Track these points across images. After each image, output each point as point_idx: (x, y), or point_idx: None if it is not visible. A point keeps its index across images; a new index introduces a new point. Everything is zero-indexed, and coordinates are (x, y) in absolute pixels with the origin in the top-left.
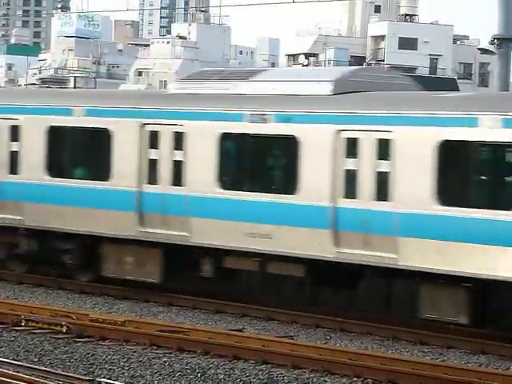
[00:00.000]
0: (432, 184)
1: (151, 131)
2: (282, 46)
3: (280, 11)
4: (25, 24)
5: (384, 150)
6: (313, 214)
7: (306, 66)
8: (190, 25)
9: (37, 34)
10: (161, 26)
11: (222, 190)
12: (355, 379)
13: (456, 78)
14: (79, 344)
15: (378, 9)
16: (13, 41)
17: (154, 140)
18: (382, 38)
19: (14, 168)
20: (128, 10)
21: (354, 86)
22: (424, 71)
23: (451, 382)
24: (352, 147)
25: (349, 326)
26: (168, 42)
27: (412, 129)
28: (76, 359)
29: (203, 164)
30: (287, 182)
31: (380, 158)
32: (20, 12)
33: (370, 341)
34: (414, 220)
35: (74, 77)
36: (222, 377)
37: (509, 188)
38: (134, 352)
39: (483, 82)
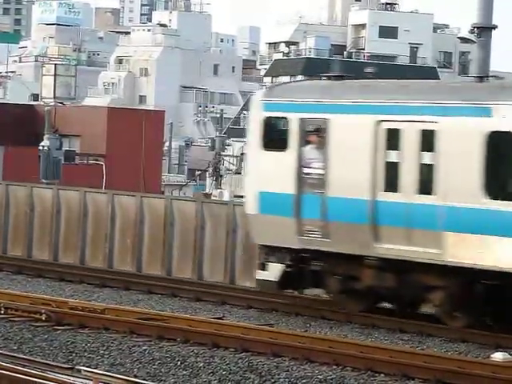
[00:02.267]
0: None
1: None
2: (262, 34)
3: None
4: (5, 11)
5: None
6: None
7: (287, 54)
8: (170, 12)
9: (17, 22)
10: (141, 14)
11: None
12: (335, 367)
13: (436, 66)
14: (59, 332)
15: None
16: None
17: None
18: (363, 26)
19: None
20: None
21: None
22: (404, 60)
23: (431, 371)
24: None
25: (328, 314)
26: (149, 30)
27: None
28: (55, 347)
29: None
30: None
31: None
32: None
33: (350, 329)
34: None
35: (55, 64)
36: (201, 365)
37: None
38: (114, 340)
39: (463, 70)
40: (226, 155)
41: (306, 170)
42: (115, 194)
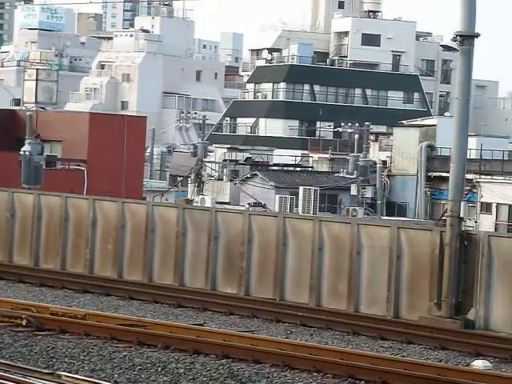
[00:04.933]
0: None
1: None
2: (245, 40)
3: (244, 5)
4: None
5: None
6: None
7: (270, 61)
8: (153, 18)
9: (0, 26)
10: (124, 19)
11: None
12: (315, 374)
13: (418, 74)
14: (39, 337)
15: (341, 5)
16: None
17: None
18: (346, 33)
19: None
20: (91, 2)
21: None
22: (387, 67)
23: (411, 378)
24: None
25: (309, 321)
26: (131, 35)
27: None
28: (36, 352)
29: None
30: None
31: None
32: None
33: (331, 336)
34: None
35: (37, 69)
36: (182, 371)
37: None
38: (95, 346)
39: (445, 78)
40: (208, 161)
41: None
42: (96, 200)
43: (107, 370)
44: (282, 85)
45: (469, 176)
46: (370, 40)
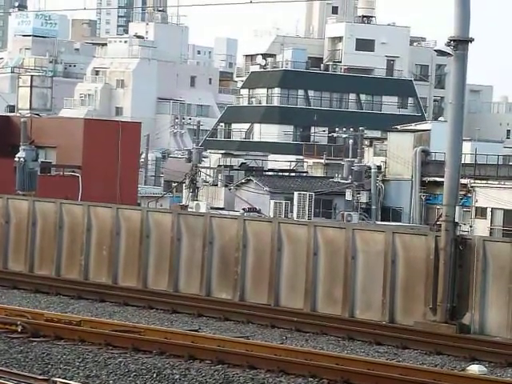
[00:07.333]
0: None
1: None
2: (239, 46)
3: (238, 11)
4: None
5: None
6: None
7: (264, 66)
8: (147, 24)
9: None
10: (118, 25)
11: None
12: (311, 379)
13: (412, 79)
14: (34, 343)
15: (335, 10)
16: None
17: None
18: (340, 39)
19: None
20: (85, 9)
21: None
22: (381, 72)
23: (407, 383)
24: None
25: (304, 327)
26: (125, 41)
27: None
28: (31, 359)
29: None
30: None
31: None
32: None
33: (326, 341)
34: None
35: (31, 75)
36: (177, 377)
37: None
38: (90, 352)
39: (440, 83)
40: (202, 167)
41: None
42: (91, 206)
43: (102, 376)
44: (277, 90)
45: (463, 181)
46: (364, 45)
